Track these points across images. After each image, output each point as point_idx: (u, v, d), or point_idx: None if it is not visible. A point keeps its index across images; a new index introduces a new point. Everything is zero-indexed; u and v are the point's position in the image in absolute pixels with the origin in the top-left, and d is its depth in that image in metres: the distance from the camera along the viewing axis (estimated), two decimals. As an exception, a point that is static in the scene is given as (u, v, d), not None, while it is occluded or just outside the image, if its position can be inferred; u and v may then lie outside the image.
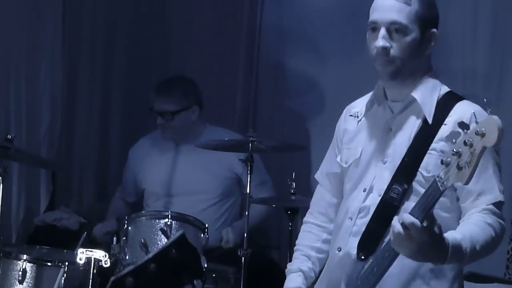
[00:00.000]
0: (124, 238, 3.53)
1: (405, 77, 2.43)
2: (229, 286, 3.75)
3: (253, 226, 4.03)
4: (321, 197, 2.73)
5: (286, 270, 2.71)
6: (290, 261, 2.73)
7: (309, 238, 2.71)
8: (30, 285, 3.48)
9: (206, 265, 3.41)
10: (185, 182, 4.29)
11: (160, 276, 2.36)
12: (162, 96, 4.27)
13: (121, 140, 5.08)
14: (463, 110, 2.37)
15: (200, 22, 5.13)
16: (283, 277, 2.72)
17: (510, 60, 4.24)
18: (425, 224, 2.10)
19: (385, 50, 2.39)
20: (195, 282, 2.52)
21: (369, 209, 2.44)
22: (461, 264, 2.33)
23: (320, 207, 2.72)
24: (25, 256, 3.52)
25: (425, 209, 2.11)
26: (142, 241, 3.43)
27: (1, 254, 3.51)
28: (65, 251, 3.71)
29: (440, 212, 2.34)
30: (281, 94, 4.97)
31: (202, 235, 3.57)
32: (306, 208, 2.81)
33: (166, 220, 3.51)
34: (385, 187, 2.41)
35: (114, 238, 3.52)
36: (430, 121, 2.41)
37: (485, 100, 1.96)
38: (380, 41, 2.38)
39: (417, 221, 2.09)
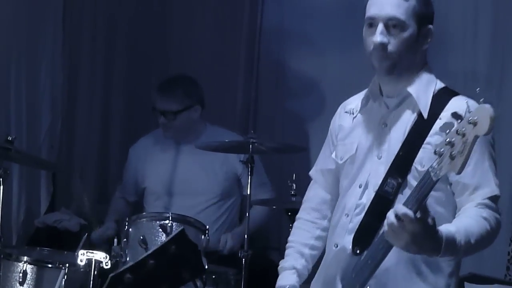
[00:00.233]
0: (125, 239, 3.53)
1: (401, 73, 2.44)
2: (230, 288, 3.76)
3: (254, 230, 4.04)
4: (315, 193, 2.74)
5: (279, 267, 2.71)
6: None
7: (302, 234, 2.72)
8: (30, 286, 3.49)
9: (206, 267, 3.41)
10: (185, 182, 4.29)
11: (160, 273, 2.34)
12: (164, 95, 4.27)
13: (122, 141, 5.07)
14: (458, 104, 2.37)
15: (201, 23, 5.13)
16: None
17: (510, 61, 4.25)
18: (418, 215, 2.11)
19: (382, 45, 2.39)
20: (197, 281, 2.50)
21: (365, 206, 2.44)
22: (457, 257, 2.32)
23: (313, 203, 2.73)
24: (25, 258, 3.53)
25: (418, 200, 2.12)
26: (142, 237, 3.44)
27: (2, 256, 3.50)
28: (65, 252, 3.72)
29: (435, 206, 2.35)
30: (281, 94, 4.98)
31: (202, 236, 3.57)
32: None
33: (167, 221, 3.52)
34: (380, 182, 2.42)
35: (115, 240, 3.52)
36: (425, 115, 2.41)
37: (481, 100, 1.96)
38: (378, 36, 2.39)
39: (410, 212, 2.10)
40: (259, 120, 5.00)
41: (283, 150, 4.18)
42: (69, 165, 5.06)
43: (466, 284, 3.48)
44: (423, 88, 2.46)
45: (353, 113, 2.60)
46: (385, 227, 2.17)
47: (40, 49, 4.86)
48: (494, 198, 2.38)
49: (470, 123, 1.96)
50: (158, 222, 3.53)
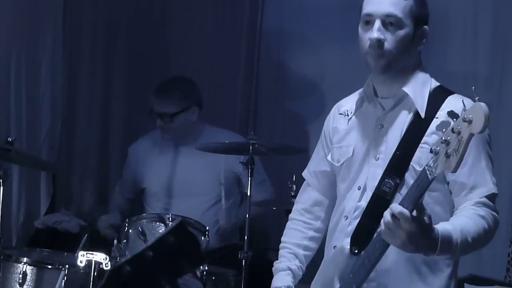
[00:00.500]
0: (125, 240, 3.53)
1: (396, 72, 2.44)
2: (229, 289, 3.76)
3: (253, 216, 4.02)
4: (308, 195, 2.75)
5: (273, 268, 2.72)
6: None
7: (296, 235, 2.73)
8: (30, 288, 3.49)
9: (207, 268, 3.42)
10: (185, 183, 4.29)
11: (159, 264, 2.33)
12: (161, 98, 4.27)
13: (122, 141, 5.07)
14: (454, 103, 2.37)
15: (201, 23, 5.13)
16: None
17: (510, 61, 4.24)
18: (414, 214, 2.11)
19: (379, 42, 2.39)
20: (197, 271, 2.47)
21: (364, 209, 2.44)
22: (454, 256, 2.31)
23: (306, 204, 2.74)
24: (25, 259, 3.53)
25: (414, 199, 2.12)
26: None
27: (2, 257, 3.50)
28: (65, 254, 3.72)
29: (433, 206, 2.35)
30: (281, 95, 4.98)
31: (202, 237, 3.57)
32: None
33: (167, 222, 3.52)
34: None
35: (115, 241, 3.52)
36: (422, 115, 2.41)
37: (476, 98, 1.96)
38: (375, 33, 2.39)
39: (406, 211, 2.10)
40: (259, 120, 5.00)
41: (283, 151, 4.17)
42: (69, 166, 5.06)
43: (466, 285, 3.49)
44: (419, 87, 2.46)
45: (347, 115, 2.60)
46: (381, 227, 2.17)
47: (40, 49, 4.86)
48: (491, 197, 2.38)
49: (465, 121, 1.97)
50: (158, 223, 3.53)
